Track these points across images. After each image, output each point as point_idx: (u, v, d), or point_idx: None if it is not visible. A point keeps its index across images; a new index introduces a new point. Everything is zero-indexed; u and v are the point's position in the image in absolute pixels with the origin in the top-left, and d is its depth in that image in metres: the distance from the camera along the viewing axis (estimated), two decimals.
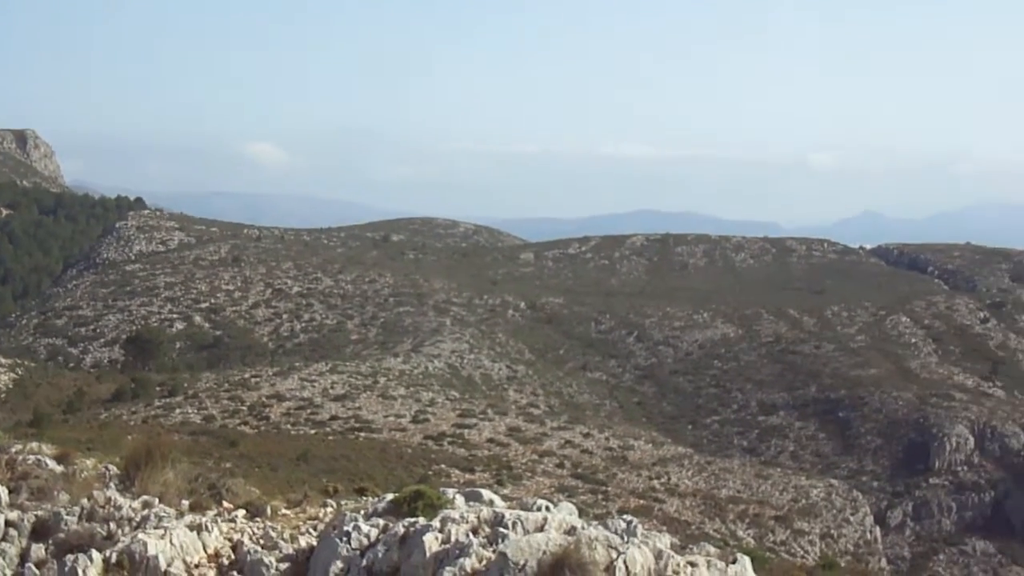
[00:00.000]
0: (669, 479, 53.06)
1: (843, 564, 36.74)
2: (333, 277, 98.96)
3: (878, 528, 54.60)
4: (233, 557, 11.48)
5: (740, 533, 45.39)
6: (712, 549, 9.65)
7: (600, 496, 48.74)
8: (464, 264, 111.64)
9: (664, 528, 38.59)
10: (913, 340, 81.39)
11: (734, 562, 8.23)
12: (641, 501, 48.54)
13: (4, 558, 11.14)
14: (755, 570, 17.79)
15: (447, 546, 10.04)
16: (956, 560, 58.47)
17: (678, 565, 7.74)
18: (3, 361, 73.94)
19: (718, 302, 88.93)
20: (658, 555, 8.30)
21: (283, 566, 11.22)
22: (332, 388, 66.11)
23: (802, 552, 44.65)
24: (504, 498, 12.34)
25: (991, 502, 62.54)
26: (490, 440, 58.80)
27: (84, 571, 10.45)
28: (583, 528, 9.50)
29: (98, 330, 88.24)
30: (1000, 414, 67.71)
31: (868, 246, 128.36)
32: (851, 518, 52.00)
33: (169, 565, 10.76)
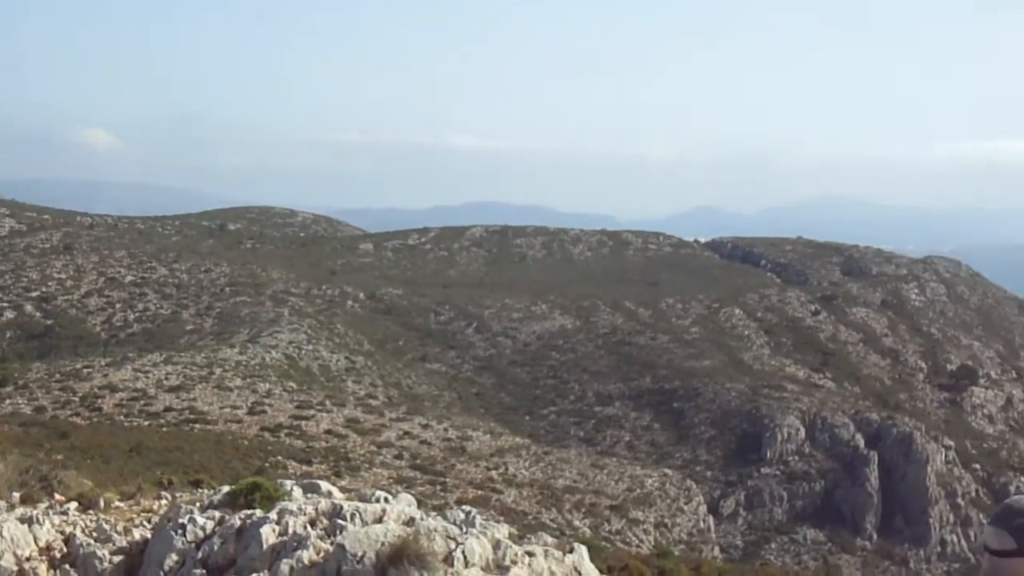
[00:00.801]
0: (507, 469, 53.28)
1: (677, 553, 37.26)
2: (168, 266, 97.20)
3: (711, 517, 55.48)
4: (65, 550, 11.19)
5: (576, 523, 45.75)
6: (549, 539, 9.71)
7: (439, 487, 48.72)
8: (302, 254, 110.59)
9: (502, 518, 38.70)
10: (746, 332, 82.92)
11: (571, 551, 8.28)
12: (479, 492, 48.64)
13: None
14: (591, 559, 17.95)
15: (284, 538, 9.91)
16: (787, 548, 59.71)
17: (516, 555, 7.75)
18: None
19: (556, 294, 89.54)
20: (496, 545, 8.31)
21: (116, 559, 10.97)
22: (166, 379, 64.90)
23: (637, 541, 45.19)
24: (342, 490, 12.24)
25: (821, 491, 63.94)
26: (328, 431, 58.33)
27: None
28: (422, 519, 9.46)
29: None
30: (830, 405, 69.37)
31: (702, 240, 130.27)
32: (685, 507, 52.76)
33: None
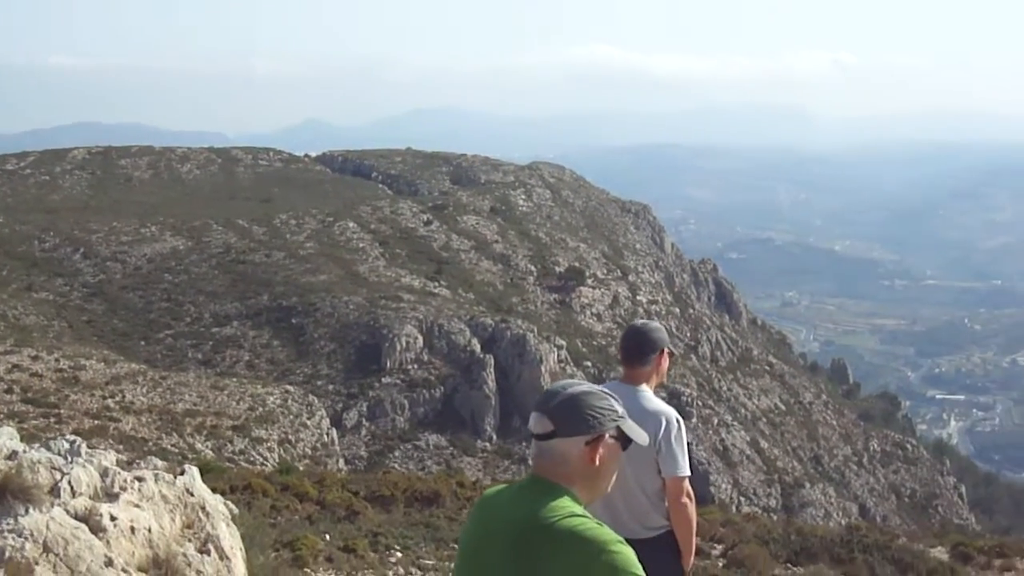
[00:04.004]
0: (124, 397, 51.68)
1: (302, 468, 37.19)
2: None
3: (335, 430, 55.62)
4: None
5: (199, 446, 44.92)
6: (160, 463, 9.36)
7: (53, 420, 46.72)
8: None
9: (121, 447, 37.61)
10: (361, 245, 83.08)
11: (183, 473, 7.96)
12: (96, 421, 46.98)
13: None
14: (214, 480, 17.54)
15: None
16: (411, 455, 60.64)
17: (125, 481, 7.38)
18: None
19: (166, 215, 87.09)
20: (104, 473, 7.88)
21: None
22: None
23: (261, 459, 44.84)
24: None
25: (441, 397, 65.08)
26: None
27: None
28: (24, 452, 8.90)
29: None
30: (446, 312, 70.51)
31: (313, 154, 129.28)
32: (308, 422, 52.69)
33: None
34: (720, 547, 17.12)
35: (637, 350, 6.74)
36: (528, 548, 3.52)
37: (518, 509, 3.64)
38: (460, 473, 42.68)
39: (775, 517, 50.72)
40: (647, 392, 6.60)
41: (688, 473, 6.45)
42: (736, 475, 68.53)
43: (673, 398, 70.10)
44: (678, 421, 6.46)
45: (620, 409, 3.82)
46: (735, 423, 74.68)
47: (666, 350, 6.74)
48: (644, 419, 6.20)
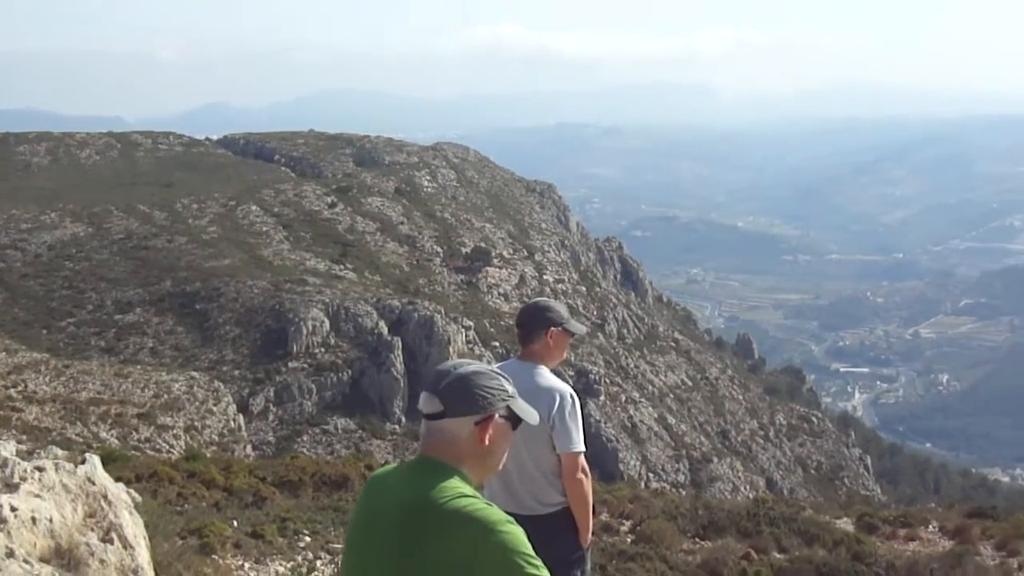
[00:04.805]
0: (26, 387, 50.89)
1: (209, 455, 36.88)
2: None
3: (242, 416, 55.15)
4: None
5: (103, 435, 44.36)
6: (60, 452, 9.25)
7: None
8: None
9: (25, 437, 37.05)
10: (264, 228, 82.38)
11: (83, 462, 7.87)
12: None
13: None
14: (120, 469, 17.37)
15: None
16: (319, 440, 60.36)
17: (25, 471, 7.28)
18: None
19: (66, 201, 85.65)
20: (3, 463, 7.78)
21: None
22: None
23: (167, 447, 44.37)
24: None
25: (349, 380, 64.82)
26: None
27: None
28: None
29: None
30: (352, 295, 70.21)
31: (215, 137, 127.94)
32: (214, 409, 52.18)
33: None
34: (628, 523, 17.29)
35: (527, 328, 6.81)
36: (416, 529, 3.51)
37: (406, 489, 3.63)
38: (369, 456, 42.56)
39: (683, 492, 51.27)
40: (542, 370, 6.64)
41: (583, 449, 6.48)
42: (644, 451, 69.13)
43: (581, 376, 70.56)
44: (572, 397, 6.49)
45: (510, 388, 3.84)
46: (643, 400, 75.29)
47: (558, 329, 6.76)
48: (538, 396, 6.26)
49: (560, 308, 6.89)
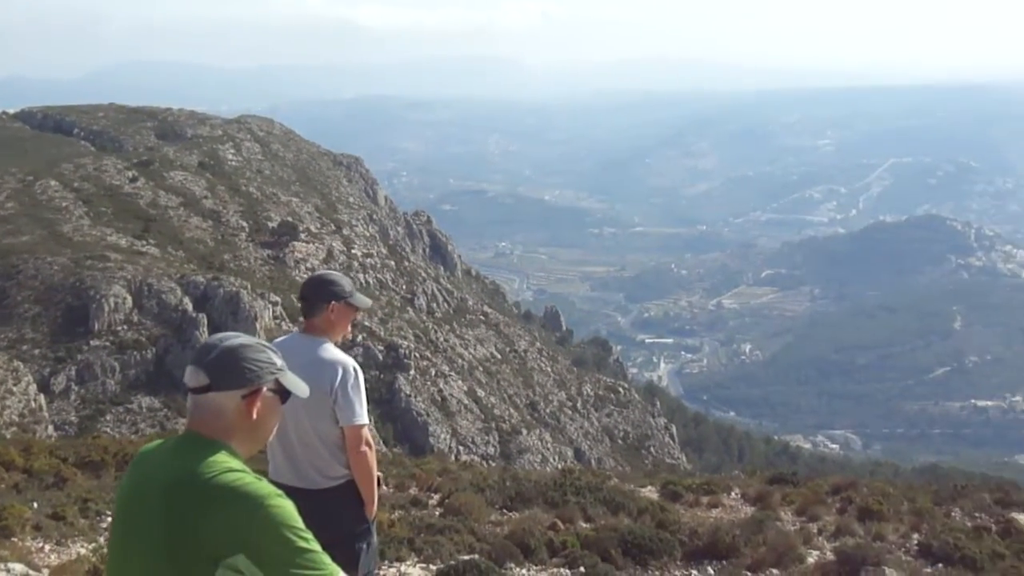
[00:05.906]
0: None
1: (9, 436, 35.94)
2: None
3: (43, 396, 53.86)
4: None
5: None
6: None
7: None
8: None
9: None
10: (64, 204, 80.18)
11: None
12: None
13: None
14: None
15: None
16: (123, 419, 59.15)
17: None
18: None
19: None
20: None
21: None
22: None
23: None
24: None
25: (153, 358, 63.61)
26: None
27: None
28: None
29: None
30: (156, 271, 68.88)
31: (11, 111, 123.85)
32: (14, 389, 50.83)
33: None
34: (437, 496, 17.43)
35: (309, 301, 6.85)
36: (181, 505, 3.44)
37: (172, 465, 3.56)
38: (174, 435, 42.04)
39: (493, 464, 51.74)
40: (325, 343, 6.68)
41: (366, 421, 6.53)
42: (455, 425, 69.52)
43: (391, 351, 70.59)
44: (356, 370, 6.55)
45: (279, 362, 3.79)
46: (452, 373, 75.66)
47: (340, 302, 6.79)
48: (320, 369, 6.33)
49: (344, 281, 6.88)
